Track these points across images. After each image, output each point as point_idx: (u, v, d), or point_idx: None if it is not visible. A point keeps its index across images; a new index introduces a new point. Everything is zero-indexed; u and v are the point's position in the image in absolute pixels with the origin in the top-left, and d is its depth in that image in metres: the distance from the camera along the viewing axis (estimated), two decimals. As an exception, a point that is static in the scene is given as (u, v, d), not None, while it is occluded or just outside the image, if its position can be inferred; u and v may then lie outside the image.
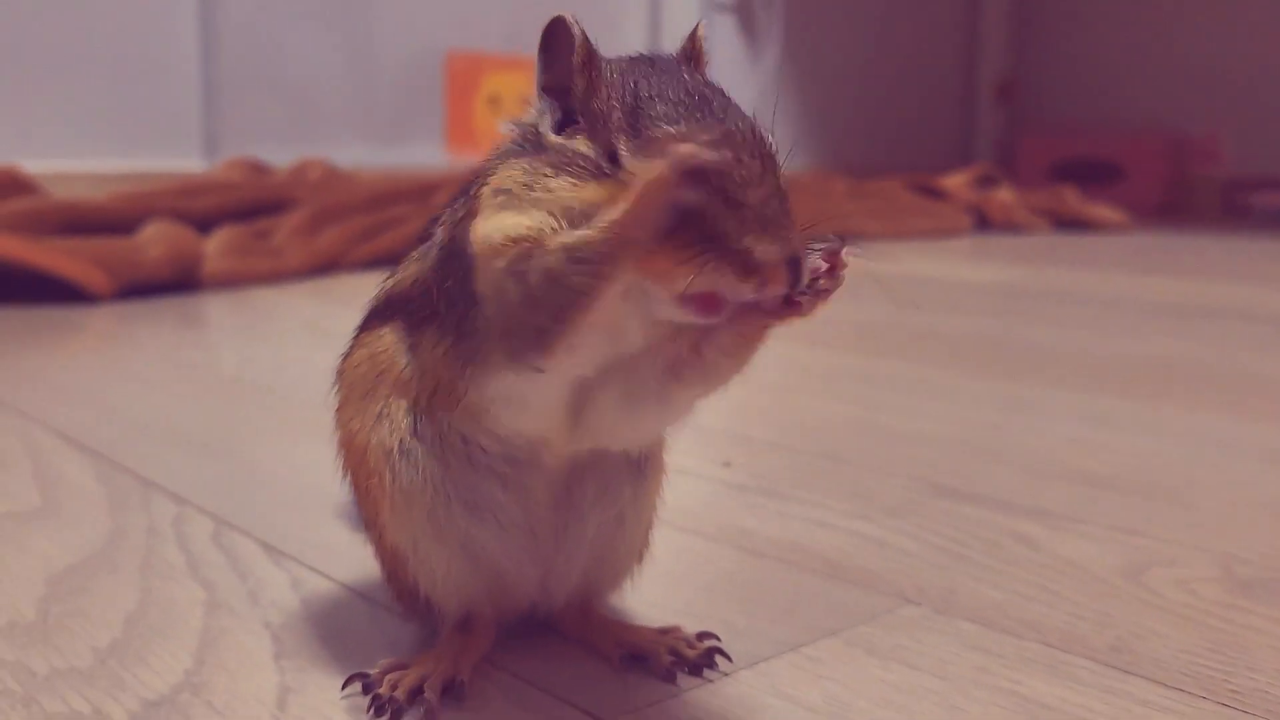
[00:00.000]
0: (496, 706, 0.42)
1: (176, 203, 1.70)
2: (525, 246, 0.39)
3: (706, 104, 0.40)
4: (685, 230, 0.37)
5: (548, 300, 0.38)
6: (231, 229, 1.61)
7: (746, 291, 0.37)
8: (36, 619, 0.49)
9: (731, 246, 0.37)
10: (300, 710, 0.42)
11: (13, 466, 0.71)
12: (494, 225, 0.40)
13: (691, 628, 0.48)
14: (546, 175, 0.39)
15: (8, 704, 0.42)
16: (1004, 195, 2.84)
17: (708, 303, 0.37)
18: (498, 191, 0.41)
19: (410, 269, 0.47)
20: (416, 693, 0.42)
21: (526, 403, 0.41)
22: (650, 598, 0.52)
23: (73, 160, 2.34)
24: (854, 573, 0.56)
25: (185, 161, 2.50)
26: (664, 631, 0.47)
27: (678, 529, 0.62)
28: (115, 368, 1.05)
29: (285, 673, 0.44)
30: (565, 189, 0.39)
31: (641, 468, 0.47)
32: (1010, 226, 2.74)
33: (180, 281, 1.42)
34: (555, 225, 0.38)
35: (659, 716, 0.42)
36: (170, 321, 1.27)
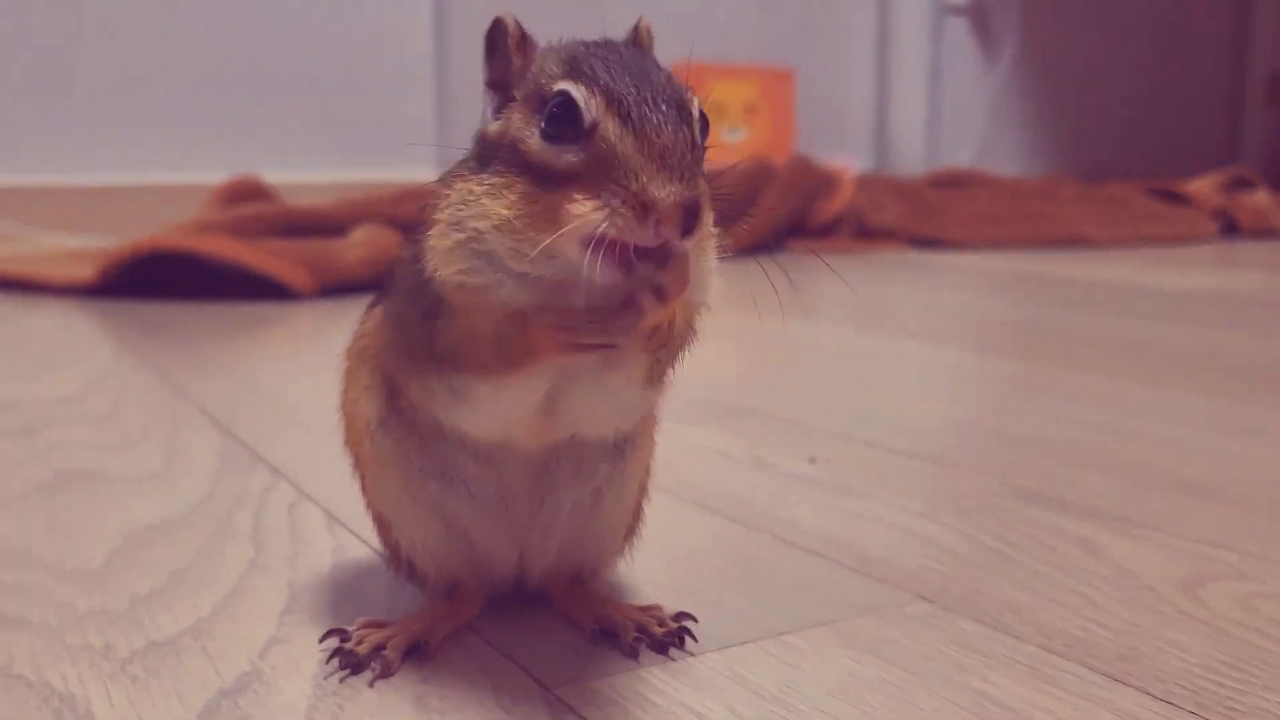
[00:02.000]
0: (455, 669, 0.44)
1: (392, 208, 1.81)
2: (467, 294, 0.40)
3: (631, 62, 0.40)
4: (593, 172, 0.37)
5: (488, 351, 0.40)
6: None
7: (645, 235, 0.37)
8: (99, 567, 0.54)
9: (631, 187, 0.37)
10: (278, 659, 0.45)
11: (153, 438, 0.78)
12: (440, 259, 0.40)
13: (686, 607, 0.48)
14: (477, 194, 0.40)
15: (39, 633, 0.47)
16: (1259, 199, 2.63)
17: (611, 252, 0.37)
18: (446, 212, 0.41)
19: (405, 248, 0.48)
20: (379, 649, 0.44)
21: (478, 408, 0.42)
22: (655, 576, 0.53)
23: (316, 172, 2.53)
24: (881, 568, 0.55)
25: (420, 171, 2.65)
26: (644, 609, 0.48)
27: (723, 516, 0.62)
28: (288, 359, 1.14)
29: (283, 626, 0.48)
30: (496, 209, 0.39)
31: (621, 448, 0.47)
32: (1265, 232, 2.53)
33: (381, 282, 1.51)
34: (491, 276, 0.39)
35: (606, 689, 0.43)
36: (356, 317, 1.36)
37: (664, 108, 0.39)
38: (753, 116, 3.08)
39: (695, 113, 0.40)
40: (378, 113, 2.60)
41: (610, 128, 0.38)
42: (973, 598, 0.51)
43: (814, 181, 2.24)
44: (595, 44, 0.42)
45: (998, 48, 3.29)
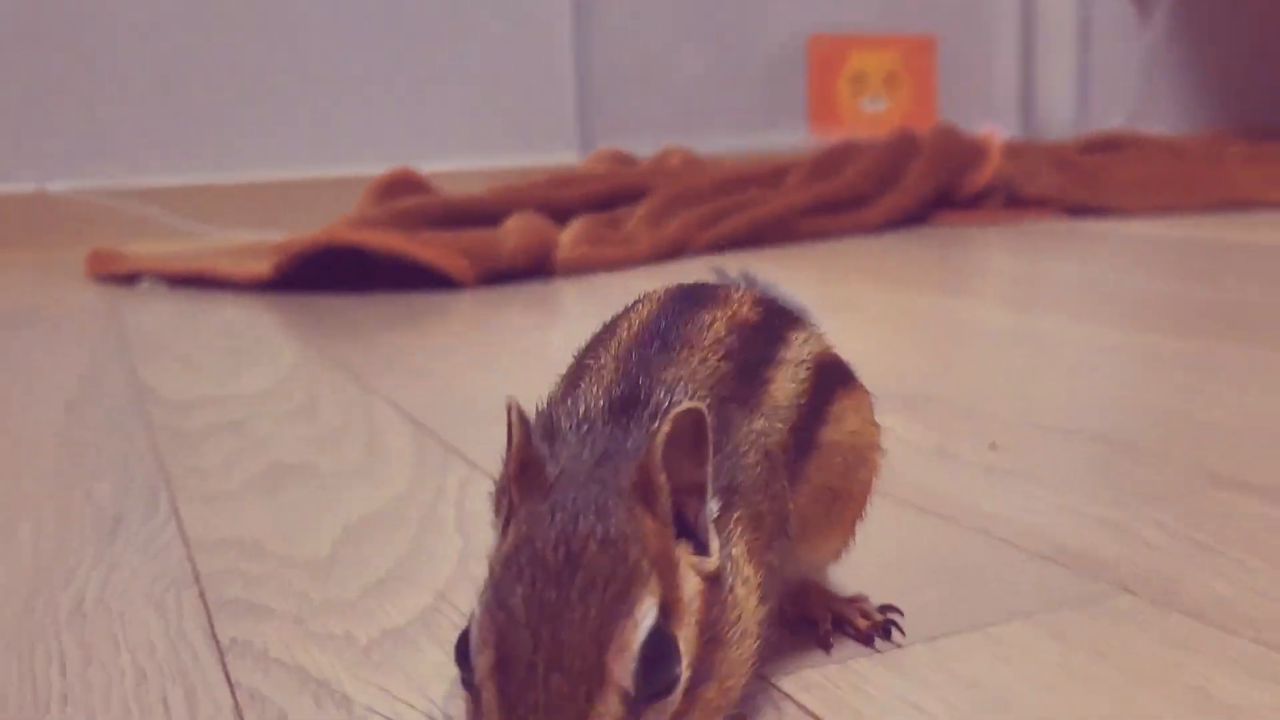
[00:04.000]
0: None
1: (544, 194, 1.85)
2: None
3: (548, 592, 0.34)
4: None
5: None
6: (587, 218, 1.74)
7: None
8: (326, 558, 0.58)
9: None
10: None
11: (352, 433, 0.83)
12: None
13: (885, 598, 0.49)
14: None
15: (285, 621, 0.51)
16: None
17: None
18: None
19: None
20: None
21: None
22: (852, 569, 0.54)
23: (462, 160, 2.59)
24: (1080, 559, 0.55)
25: (562, 156, 2.70)
26: (849, 600, 0.49)
27: (913, 507, 0.63)
28: (457, 349, 1.18)
29: (504, 616, 0.51)
30: None
31: None
32: None
33: (536, 269, 1.55)
34: None
35: (822, 680, 0.44)
36: (519, 307, 1.40)
37: (550, 680, 0.32)
38: (894, 86, 3.03)
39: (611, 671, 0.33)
40: (522, 101, 2.65)
41: (488, 696, 0.33)
42: (1177, 590, 0.51)
43: (960, 151, 2.20)
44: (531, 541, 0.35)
45: (1150, 2, 3.16)
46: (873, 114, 3.02)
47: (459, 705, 0.37)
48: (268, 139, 2.45)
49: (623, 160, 2.42)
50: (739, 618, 0.37)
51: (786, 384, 0.43)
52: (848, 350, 0.48)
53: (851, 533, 0.47)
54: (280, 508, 0.66)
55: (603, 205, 1.92)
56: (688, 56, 2.79)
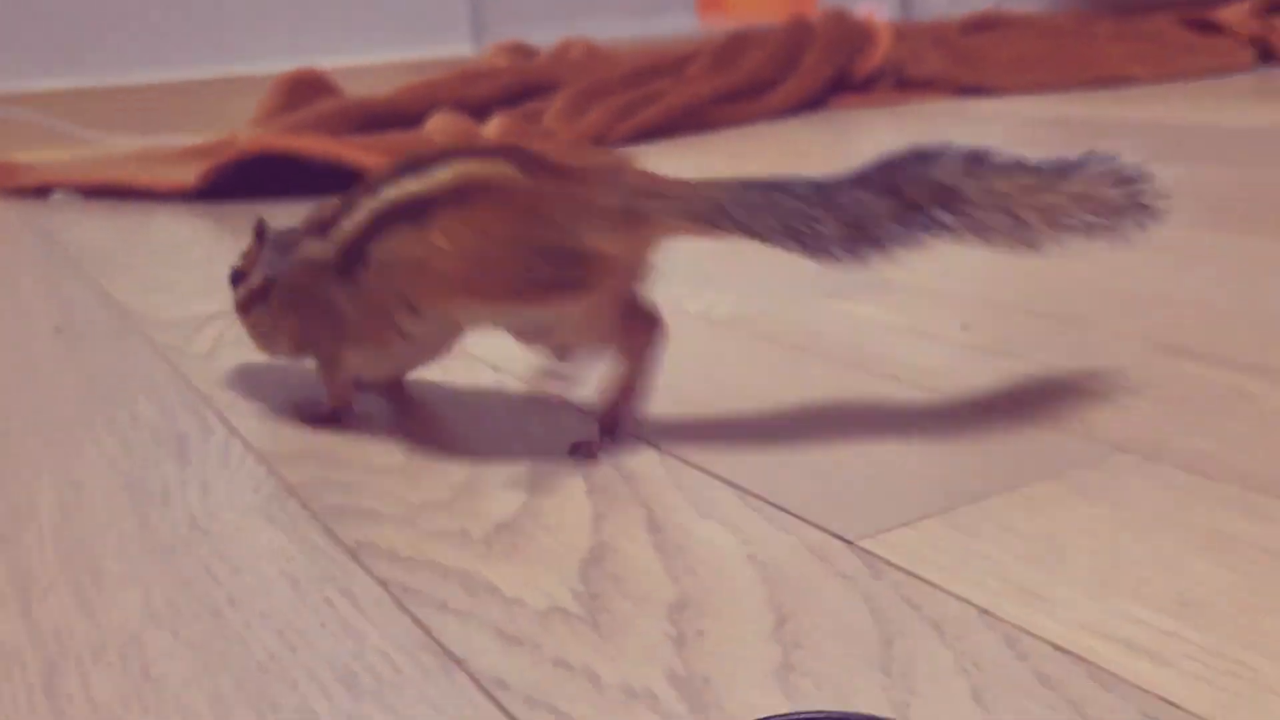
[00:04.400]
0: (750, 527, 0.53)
1: (455, 92, 1.86)
2: None
3: None
4: None
5: None
6: (504, 115, 1.76)
7: None
8: (402, 463, 0.63)
9: None
10: (612, 530, 0.54)
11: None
12: None
13: (924, 470, 0.57)
14: None
15: (395, 524, 0.56)
16: (1291, 24, 2.64)
17: None
18: None
19: None
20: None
21: None
22: (864, 445, 0.61)
23: (356, 55, 2.54)
24: (1074, 424, 0.63)
25: (455, 48, 2.67)
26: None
27: (914, 386, 0.70)
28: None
29: (595, 504, 0.57)
30: None
31: None
32: (1297, 57, 2.56)
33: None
34: None
35: (897, 540, 0.51)
36: None
37: None
38: (778, -33, 3.07)
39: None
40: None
41: None
42: (1162, 447, 0.60)
43: (852, 36, 2.27)
44: None
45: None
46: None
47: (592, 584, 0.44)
48: (154, 40, 2.37)
49: (524, 52, 2.42)
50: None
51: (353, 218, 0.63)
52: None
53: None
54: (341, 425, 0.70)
55: (514, 99, 1.94)
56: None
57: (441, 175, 0.59)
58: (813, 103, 2.14)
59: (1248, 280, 0.90)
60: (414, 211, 0.60)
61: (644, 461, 0.61)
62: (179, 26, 2.28)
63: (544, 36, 2.72)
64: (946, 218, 0.59)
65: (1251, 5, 2.73)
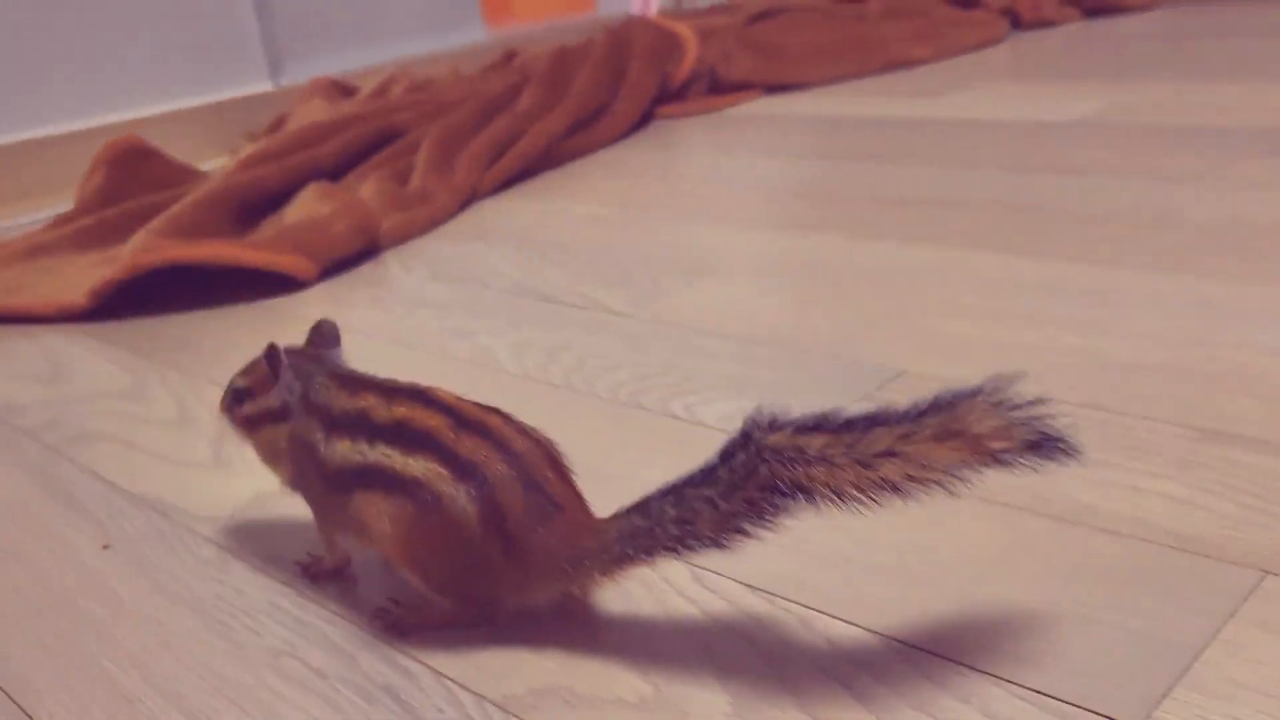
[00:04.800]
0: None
1: (307, 157, 1.81)
2: None
3: None
4: None
5: None
6: (375, 180, 1.73)
7: None
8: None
9: None
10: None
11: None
12: None
13: (1093, 627, 0.63)
14: None
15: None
16: (1033, -10, 2.89)
17: None
18: None
19: None
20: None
21: None
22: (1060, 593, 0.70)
23: (155, 105, 2.42)
24: (1202, 545, 0.68)
25: (255, 85, 2.58)
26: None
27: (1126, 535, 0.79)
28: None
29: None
30: None
31: None
32: (1042, 24, 2.82)
33: (367, 249, 1.55)
34: None
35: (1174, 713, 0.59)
36: (367, 296, 1.41)
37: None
38: None
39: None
40: (204, 35, 2.49)
41: None
42: None
43: (664, 43, 2.34)
44: None
45: None
46: (539, 1, 3.07)
47: None
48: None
49: (342, 90, 2.37)
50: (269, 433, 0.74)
51: (346, 449, 0.68)
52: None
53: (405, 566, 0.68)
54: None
55: (361, 154, 1.91)
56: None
57: (417, 465, 0.64)
58: (643, 118, 2.21)
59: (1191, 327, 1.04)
60: (389, 483, 0.65)
61: (877, 656, 0.62)
62: None
63: (342, 64, 2.67)
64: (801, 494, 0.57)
65: (996, -26, 2.98)
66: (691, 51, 2.37)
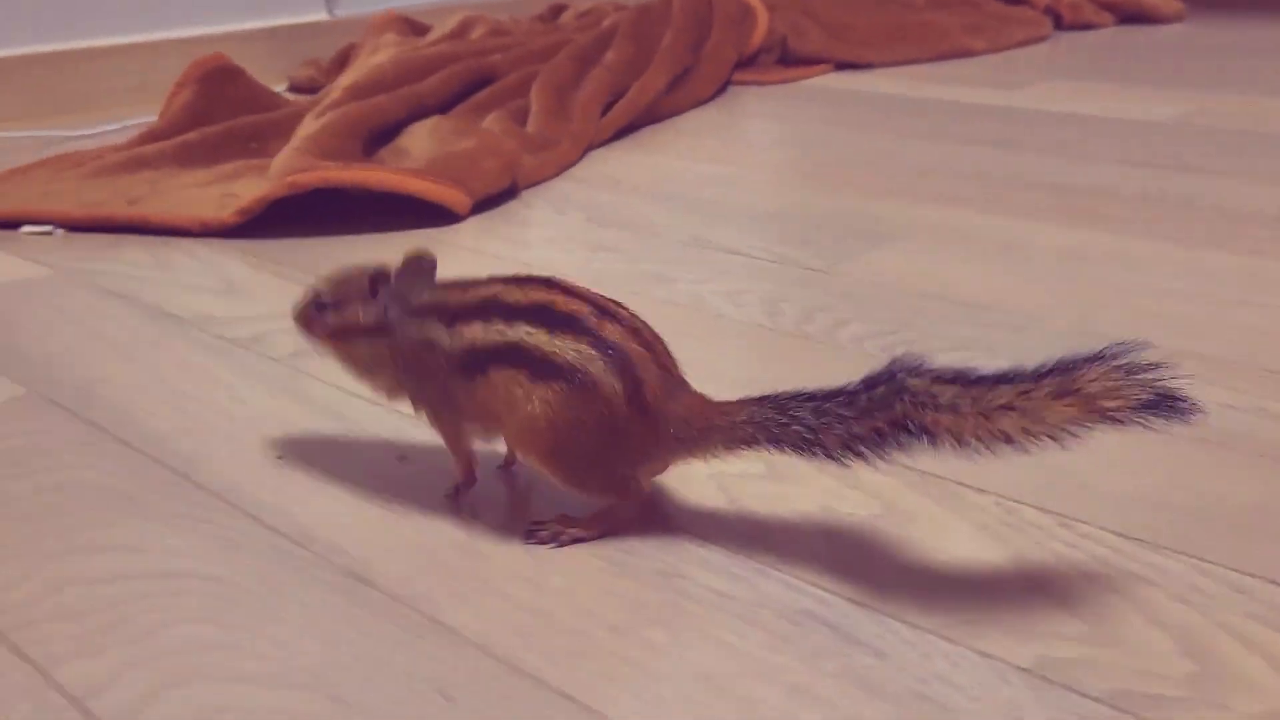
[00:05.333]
0: None
1: (411, 92, 1.78)
2: None
3: None
4: None
5: None
6: (499, 122, 1.70)
7: None
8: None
9: None
10: None
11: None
12: None
13: None
14: None
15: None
16: (1072, -9, 2.95)
17: None
18: None
19: None
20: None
21: None
22: None
23: (212, 24, 2.35)
24: None
25: (310, 14, 2.51)
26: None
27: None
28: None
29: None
30: None
31: None
32: (1083, 26, 2.88)
33: (514, 188, 1.52)
34: None
35: None
36: (525, 231, 1.39)
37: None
38: None
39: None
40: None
41: None
42: None
43: (740, 11, 2.35)
44: None
45: None
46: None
47: None
48: None
49: (414, 28, 2.32)
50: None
51: (482, 332, 0.70)
52: None
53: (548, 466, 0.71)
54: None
55: (460, 94, 1.88)
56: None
57: (566, 347, 0.67)
58: (726, 84, 2.21)
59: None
60: (534, 365, 0.67)
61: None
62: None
63: (390, 1, 2.62)
64: (930, 431, 0.62)
65: (1036, -26, 3.03)
66: (763, 22, 2.38)
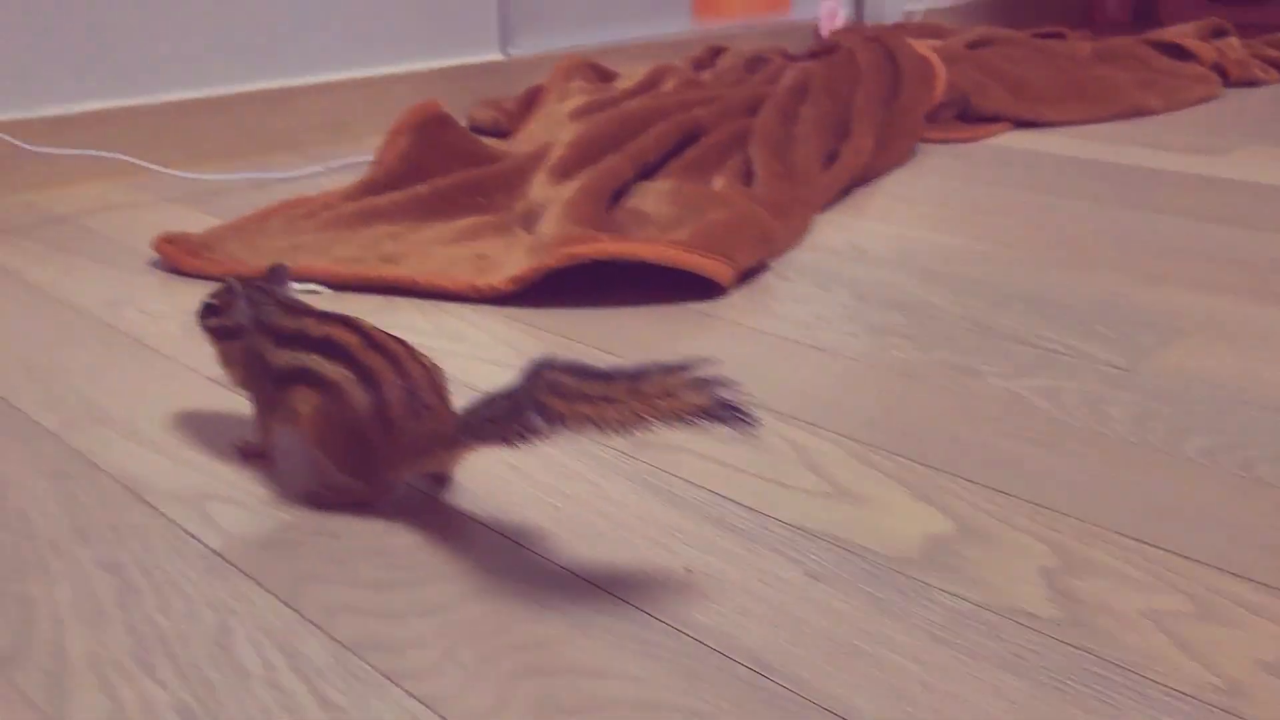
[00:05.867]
0: None
1: (636, 149, 1.77)
2: None
3: None
4: None
5: None
6: (731, 184, 1.69)
7: None
8: None
9: None
10: None
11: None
12: None
13: None
14: None
15: None
16: (1235, 48, 2.91)
17: None
18: None
19: None
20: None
21: None
22: None
23: (392, 65, 2.37)
24: None
25: (485, 54, 2.53)
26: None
27: None
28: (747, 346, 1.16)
29: None
30: None
31: None
32: (1248, 83, 2.84)
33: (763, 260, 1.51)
34: None
35: None
36: (792, 308, 1.37)
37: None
38: None
39: None
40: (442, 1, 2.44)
41: None
42: None
43: (924, 66, 2.33)
44: None
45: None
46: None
47: None
48: (183, 55, 2.11)
49: (600, 74, 2.32)
50: None
51: (294, 354, 0.93)
52: None
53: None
54: None
55: (671, 150, 1.88)
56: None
57: (335, 369, 0.88)
58: (920, 140, 2.19)
59: None
60: (314, 380, 0.89)
61: None
62: (209, 40, 2.05)
63: (560, 42, 2.63)
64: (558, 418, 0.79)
65: (1197, 28, 3.00)
66: (943, 77, 2.36)
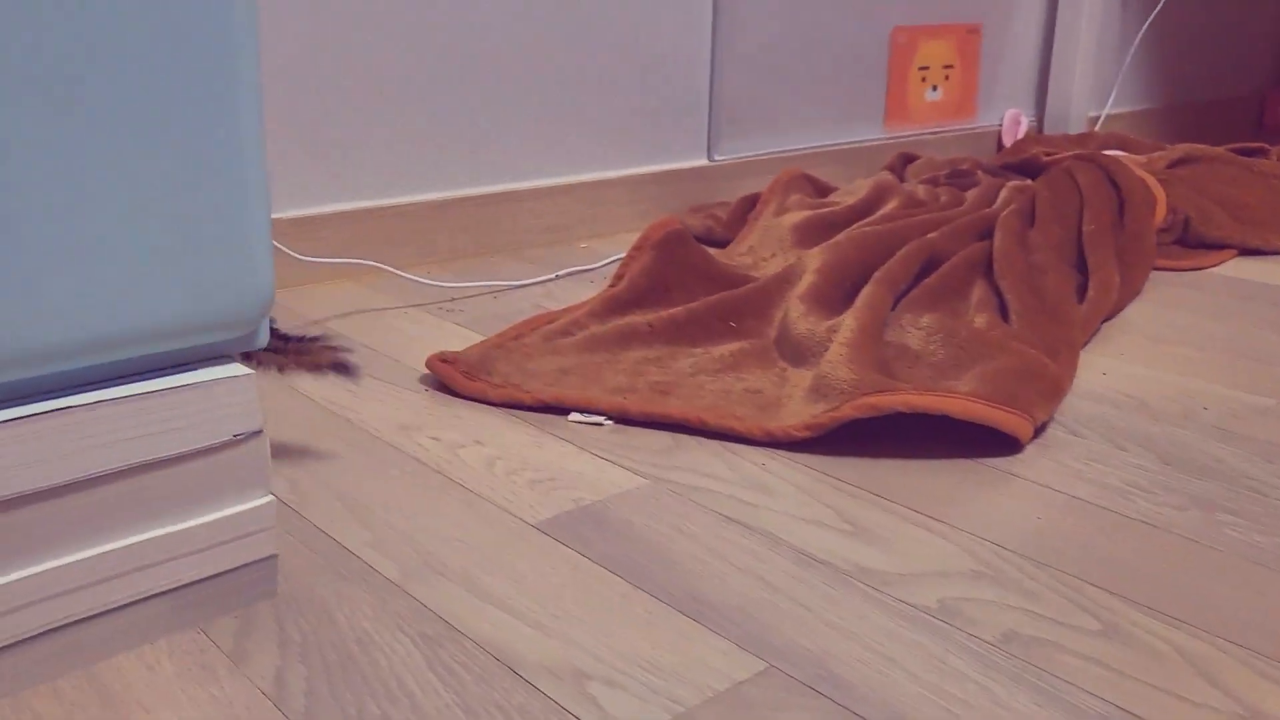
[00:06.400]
0: None
1: (889, 278, 1.74)
2: None
3: None
4: None
5: None
6: (993, 323, 1.65)
7: None
8: None
9: None
10: None
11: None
12: None
13: None
14: None
15: None
16: None
17: None
18: None
19: None
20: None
21: None
22: None
23: (610, 170, 2.37)
24: None
25: (693, 159, 2.53)
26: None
27: None
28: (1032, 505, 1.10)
29: None
30: None
31: None
32: None
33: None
34: None
35: None
36: (1104, 473, 1.31)
37: None
38: (948, 75, 3.04)
39: None
40: (658, 108, 2.45)
41: None
42: None
43: (1143, 190, 2.27)
44: None
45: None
46: (931, 104, 3.03)
47: None
48: (416, 161, 2.14)
49: (816, 187, 2.31)
50: None
51: None
52: None
53: None
54: None
55: (916, 278, 1.84)
56: (791, 57, 2.69)
57: None
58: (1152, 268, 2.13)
59: None
60: None
61: None
62: (444, 147, 2.08)
63: (759, 147, 2.63)
64: None
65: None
66: (1163, 201, 2.31)
